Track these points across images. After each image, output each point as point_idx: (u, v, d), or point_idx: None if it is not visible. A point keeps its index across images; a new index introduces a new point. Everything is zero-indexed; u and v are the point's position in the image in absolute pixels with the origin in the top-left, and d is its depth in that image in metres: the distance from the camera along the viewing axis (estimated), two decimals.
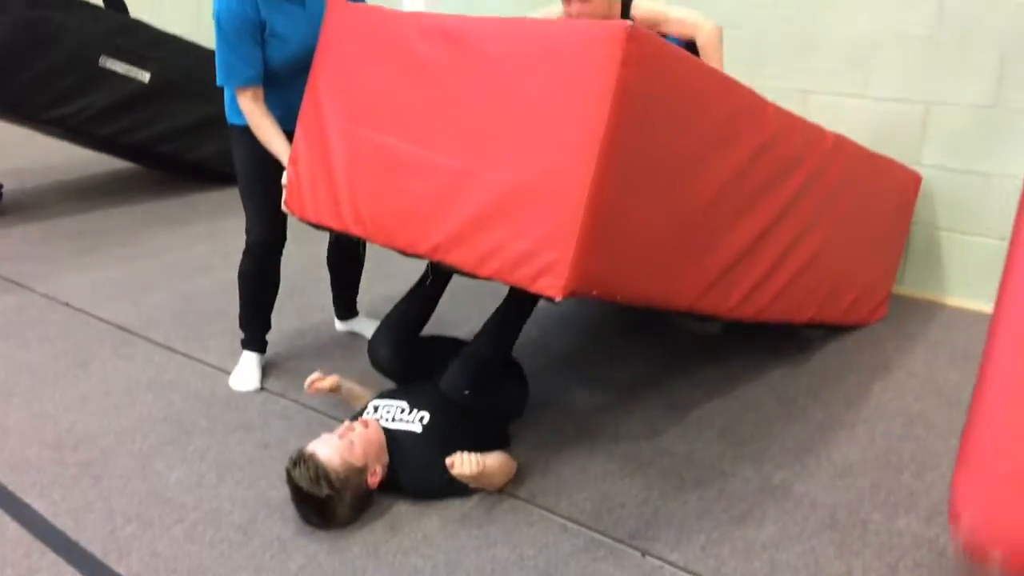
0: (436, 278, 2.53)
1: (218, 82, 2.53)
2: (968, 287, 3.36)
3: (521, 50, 1.99)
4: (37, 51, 4.18)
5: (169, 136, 4.72)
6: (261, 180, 2.61)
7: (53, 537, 2.08)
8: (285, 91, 2.53)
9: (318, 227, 2.40)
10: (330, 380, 2.46)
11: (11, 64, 4.10)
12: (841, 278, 2.94)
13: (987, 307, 3.17)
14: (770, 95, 2.32)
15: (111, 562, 1.99)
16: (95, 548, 2.04)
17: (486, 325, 2.43)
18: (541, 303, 2.31)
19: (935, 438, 2.50)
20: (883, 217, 3.20)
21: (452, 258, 2.04)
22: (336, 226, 2.32)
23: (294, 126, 2.43)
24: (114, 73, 4.46)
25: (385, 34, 2.28)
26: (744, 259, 2.37)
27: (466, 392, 2.29)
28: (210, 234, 4.25)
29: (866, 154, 2.98)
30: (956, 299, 3.39)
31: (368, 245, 2.83)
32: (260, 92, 2.50)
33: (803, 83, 3.45)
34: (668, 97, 1.97)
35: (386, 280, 3.37)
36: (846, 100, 3.38)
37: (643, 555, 2.01)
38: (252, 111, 2.49)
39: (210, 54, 4.39)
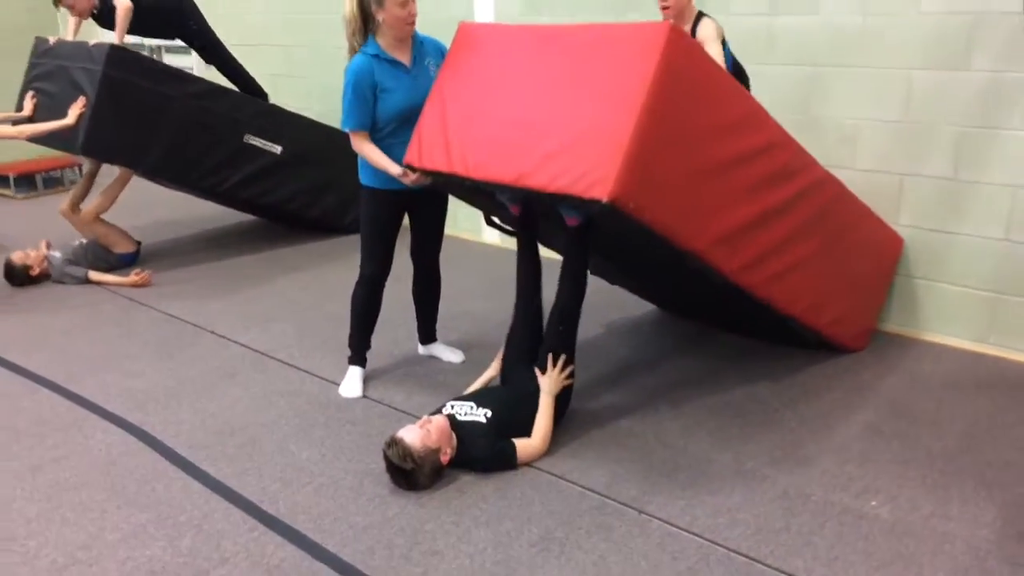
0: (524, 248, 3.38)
1: (341, 125, 3.39)
2: (940, 324, 4.04)
3: (595, 39, 2.94)
4: (200, 132, 5.20)
5: (293, 197, 5.70)
6: (378, 229, 3.54)
7: (223, 491, 2.97)
8: (392, 142, 3.37)
9: (428, 173, 3.20)
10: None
11: (180, 142, 5.13)
12: (828, 290, 3.63)
13: (953, 341, 3.84)
14: None
15: (265, 507, 2.87)
16: (253, 498, 2.92)
17: (559, 282, 3.24)
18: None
19: (881, 440, 3.20)
20: (866, 255, 3.88)
21: (530, 182, 2.87)
22: (445, 169, 3.12)
23: None
24: (254, 147, 5.45)
25: (499, 38, 3.26)
26: (746, 234, 3.14)
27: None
28: (319, 277, 5.20)
29: (853, 196, 3.75)
30: (930, 334, 4.07)
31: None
32: (367, 135, 3.36)
33: None
34: (696, 80, 2.90)
35: (465, 318, 4.25)
36: (837, 171, 4.11)
37: (639, 512, 2.79)
38: (361, 145, 3.38)
39: (327, 130, 5.40)
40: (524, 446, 3.07)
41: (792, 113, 4.18)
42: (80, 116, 4.78)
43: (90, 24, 5.43)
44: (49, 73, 5.12)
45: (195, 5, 5.63)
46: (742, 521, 2.74)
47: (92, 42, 4.97)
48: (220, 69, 5.86)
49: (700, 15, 3.65)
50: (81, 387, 3.78)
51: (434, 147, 3.17)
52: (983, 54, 3.65)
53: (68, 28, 5.35)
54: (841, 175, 3.88)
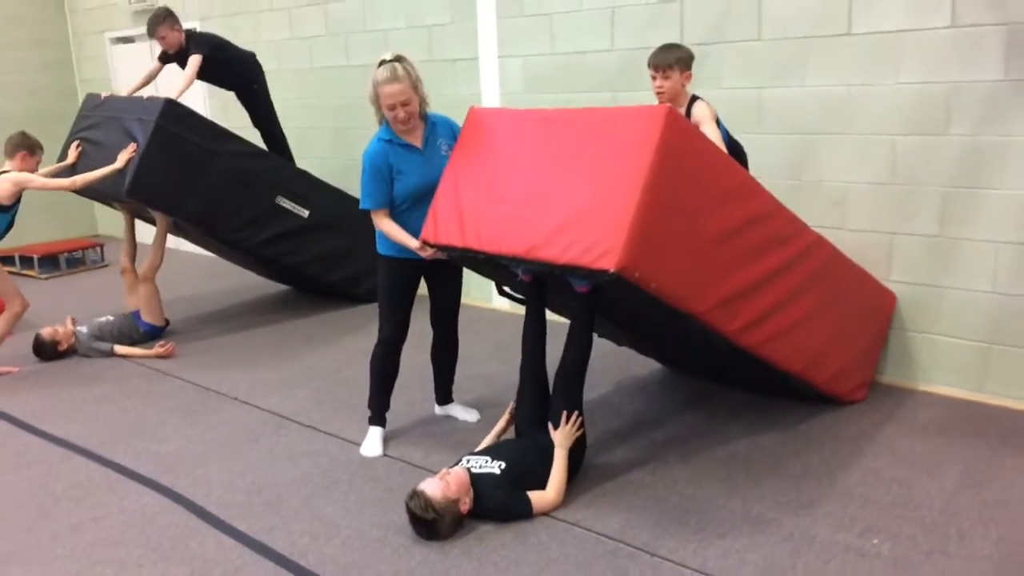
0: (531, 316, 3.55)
1: (361, 206, 3.63)
2: (936, 374, 4.20)
3: (598, 121, 3.18)
4: (237, 189, 5.48)
5: (313, 261, 5.95)
6: (395, 296, 3.76)
7: (254, 545, 3.11)
8: (407, 218, 3.60)
9: (444, 248, 3.40)
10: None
11: (218, 196, 5.41)
12: (825, 348, 3.81)
13: (949, 391, 3.99)
14: None
15: (295, 559, 3.01)
16: (283, 551, 3.06)
17: (566, 341, 3.42)
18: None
19: (881, 484, 3.34)
20: (860, 313, 4.06)
21: (541, 254, 3.07)
22: (459, 244, 3.33)
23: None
24: (285, 209, 5.72)
25: (507, 121, 3.49)
26: (744, 297, 3.33)
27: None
28: (336, 345, 5.38)
29: (844, 257, 3.95)
30: (926, 385, 4.23)
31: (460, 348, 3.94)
32: (387, 212, 3.59)
33: None
34: (692, 158, 3.13)
35: (479, 380, 4.41)
36: (829, 232, 4.33)
37: (651, 555, 2.93)
38: (380, 222, 3.61)
39: (352, 200, 5.67)
40: (539, 498, 3.21)
41: (784, 179, 4.43)
42: (129, 161, 5.11)
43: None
44: (98, 124, 5.50)
45: (262, 68, 6.04)
46: (751, 561, 2.87)
47: (146, 96, 5.37)
48: (262, 132, 6.19)
49: (694, 98, 3.87)
50: (113, 453, 3.95)
51: (449, 224, 3.39)
52: (960, 119, 3.90)
53: (134, 82, 5.93)
54: (833, 236, 4.09)
